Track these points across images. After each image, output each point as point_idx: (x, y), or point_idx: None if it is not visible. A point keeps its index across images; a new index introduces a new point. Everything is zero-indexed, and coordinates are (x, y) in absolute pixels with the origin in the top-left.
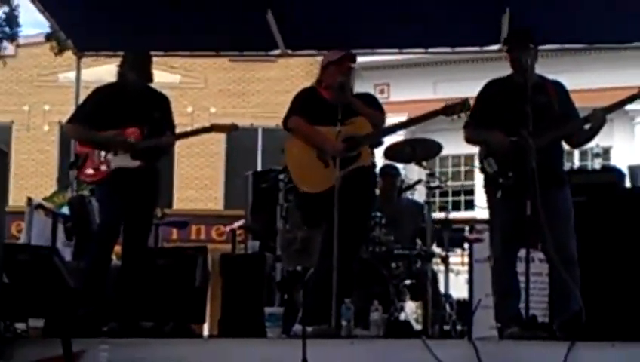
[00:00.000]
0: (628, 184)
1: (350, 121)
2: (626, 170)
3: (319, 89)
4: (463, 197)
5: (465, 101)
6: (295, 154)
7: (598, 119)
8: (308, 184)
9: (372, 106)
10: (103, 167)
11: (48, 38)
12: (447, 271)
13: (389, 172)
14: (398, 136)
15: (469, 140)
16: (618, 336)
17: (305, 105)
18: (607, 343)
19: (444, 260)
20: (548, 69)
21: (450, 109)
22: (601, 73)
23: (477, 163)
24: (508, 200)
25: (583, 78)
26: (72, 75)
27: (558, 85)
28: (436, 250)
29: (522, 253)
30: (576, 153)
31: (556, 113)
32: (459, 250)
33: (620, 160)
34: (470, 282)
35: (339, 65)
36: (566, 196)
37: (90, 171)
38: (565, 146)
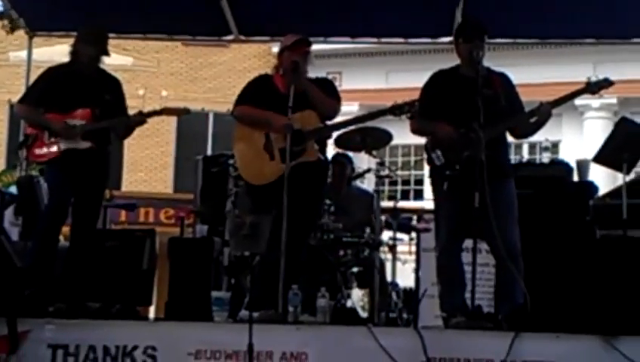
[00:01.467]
0: (575, 178)
1: (298, 113)
2: (574, 165)
3: (275, 78)
4: (412, 187)
5: (414, 102)
6: (241, 146)
7: (545, 113)
8: (253, 176)
9: (328, 92)
10: (53, 148)
11: (0, 16)
12: (394, 259)
13: (340, 160)
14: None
15: (415, 131)
16: (562, 328)
17: (255, 93)
18: (551, 334)
19: (392, 249)
20: (495, 61)
21: (398, 109)
22: (548, 68)
23: (424, 154)
24: (454, 191)
25: (530, 72)
26: (23, 54)
27: (504, 77)
28: (384, 238)
29: (468, 243)
30: (525, 146)
31: (502, 106)
32: (406, 239)
33: (569, 154)
34: (417, 271)
35: (293, 50)
36: (511, 188)
37: (39, 151)
38: (514, 140)
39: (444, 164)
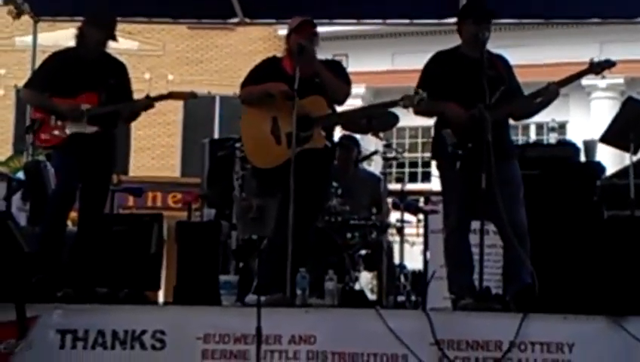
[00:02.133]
0: (582, 158)
1: (307, 98)
2: (581, 145)
3: (284, 60)
4: (419, 169)
5: (419, 95)
6: (248, 129)
7: (552, 93)
8: (259, 160)
9: (338, 75)
10: (59, 132)
11: (6, 1)
12: (402, 241)
13: (346, 143)
14: (355, 107)
15: (421, 112)
16: (570, 309)
17: (262, 75)
18: (559, 315)
19: (400, 231)
20: (501, 42)
21: (408, 100)
22: (554, 48)
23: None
24: (465, 172)
25: (536, 52)
26: (29, 39)
27: (502, 59)
28: (392, 220)
29: (475, 225)
30: (533, 127)
31: (506, 87)
32: (414, 221)
33: (576, 135)
34: (425, 253)
35: (299, 31)
36: (516, 168)
37: (46, 136)
38: (522, 121)
39: (455, 143)
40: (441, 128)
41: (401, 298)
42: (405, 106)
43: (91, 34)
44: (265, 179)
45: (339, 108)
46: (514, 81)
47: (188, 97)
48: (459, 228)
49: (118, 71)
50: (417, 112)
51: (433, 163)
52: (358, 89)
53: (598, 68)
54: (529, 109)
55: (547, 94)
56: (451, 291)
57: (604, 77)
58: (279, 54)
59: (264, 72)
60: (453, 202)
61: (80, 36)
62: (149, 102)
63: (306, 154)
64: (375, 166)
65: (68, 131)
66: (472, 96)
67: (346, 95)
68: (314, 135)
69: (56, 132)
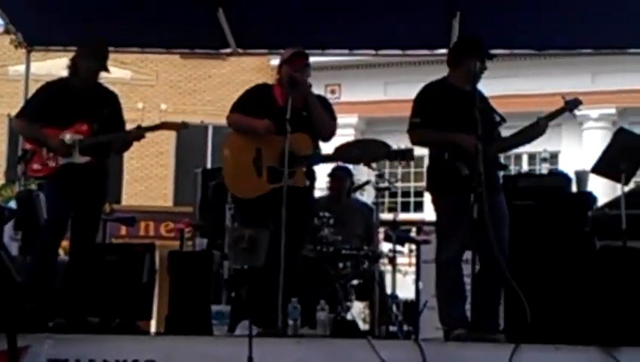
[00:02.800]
0: (574, 189)
1: (294, 135)
2: (572, 175)
3: (275, 88)
4: (412, 199)
5: (410, 150)
6: (231, 154)
7: (542, 128)
8: (238, 189)
9: (325, 111)
10: (51, 162)
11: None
12: (394, 271)
13: (339, 173)
14: (348, 137)
15: (422, 143)
16: (562, 339)
17: (252, 102)
18: (551, 346)
19: (392, 261)
20: (493, 72)
21: (394, 154)
22: (546, 78)
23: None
24: (470, 203)
25: (528, 82)
26: (22, 68)
27: (478, 91)
28: (384, 250)
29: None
30: (525, 157)
31: (495, 120)
32: (406, 251)
33: (568, 165)
34: (417, 283)
35: (290, 63)
36: (504, 201)
37: (38, 166)
38: (514, 151)
39: (470, 175)
40: (452, 159)
41: (393, 328)
42: (390, 159)
43: (84, 65)
44: (246, 211)
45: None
46: (493, 110)
47: (180, 128)
48: (459, 259)
49: (110, 101)
50: (418, 142)
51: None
52: (350, 119)
53: (572, 106)
54: (518, 144)
55: (538, 130)
56: (443, 322)
57: (575, 116)
58: (270, 82)
59: (254, 98)
60: (455, 233)
61: (73, 67)
62: (140, 133)
63: (287, 191)
64: (367, 196)
65: (60, 162)
66: (464, 128)
67: (332, 132)
68: (296, 173)
69: (48, 163)
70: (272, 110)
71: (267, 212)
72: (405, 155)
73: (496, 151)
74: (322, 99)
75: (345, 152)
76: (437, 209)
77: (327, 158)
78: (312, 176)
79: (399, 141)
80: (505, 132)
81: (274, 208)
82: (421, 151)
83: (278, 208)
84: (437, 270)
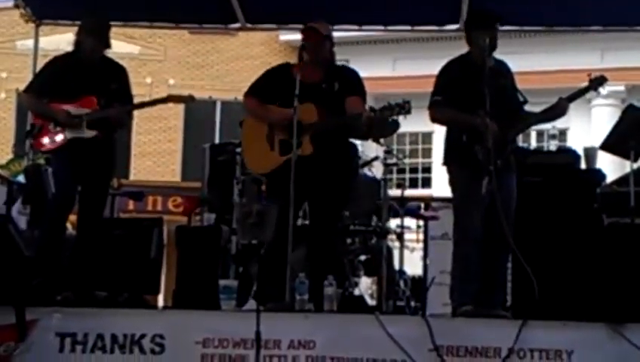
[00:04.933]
0: (583, 165)
1: (301, 105)
2: (581, 152)
3: (294, 68)
4: (420, 175)
5: (408, 102)
6: (247, 133)
7: (563, 108)
8: (253, 164)
9: (355, 89)
10: (59, 137)
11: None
12: (402, 247)
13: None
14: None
15: (439, 120)
16: (569, 316)
17: (272, 82)
18: (558, 322)
19: (400, 237)
20: (502, 49)
21: (389, 110)
22: (555, 55)
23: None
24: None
25: (537, 59)
26: (30, 42)
27: (505, 65)
28: (392, 226)
29: None
30: (533, 134)
31: (515, 96)
32: (414, 227)
33: (577, 142)
34: (425, 259)
35: (304, 40)
36: (514, 182)
37: (45, 140)
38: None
39: (487, 159)
40: (470, 142)
41: (400, 303)
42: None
43: (86, 42)
44: (269, 185)
45: None
46: (516, 88)
47: (186, 101)
48: (477, 237)
49: (118, 75)
50: (437, 120)
51: (441, 168)
52: None
53: (597, 84)
54: (539, 123)
55: (559, 110)
56: (453, 298)
57: (599, 93)
58: (292, 61)
59: (272, 80)
60: (472, 209)
61: (77, 43)
62: (146, 106)
63: (298, 161)
64: (376, 171)
65: (67, 136)
66: (479, 104)
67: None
68: (303, 143)
69: (55, 137)
70: (290, 88)
71: (285, 185)
72: (404, 107)
73: (517, 132)
74: (351, 73)
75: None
76: (453, 184)
77: (327, 124)
78: (342, 148)
79: (407, 118)
80: None
81: (289, 180)
82: (430, 128)
83: (296, 180)
84: (454, 246)
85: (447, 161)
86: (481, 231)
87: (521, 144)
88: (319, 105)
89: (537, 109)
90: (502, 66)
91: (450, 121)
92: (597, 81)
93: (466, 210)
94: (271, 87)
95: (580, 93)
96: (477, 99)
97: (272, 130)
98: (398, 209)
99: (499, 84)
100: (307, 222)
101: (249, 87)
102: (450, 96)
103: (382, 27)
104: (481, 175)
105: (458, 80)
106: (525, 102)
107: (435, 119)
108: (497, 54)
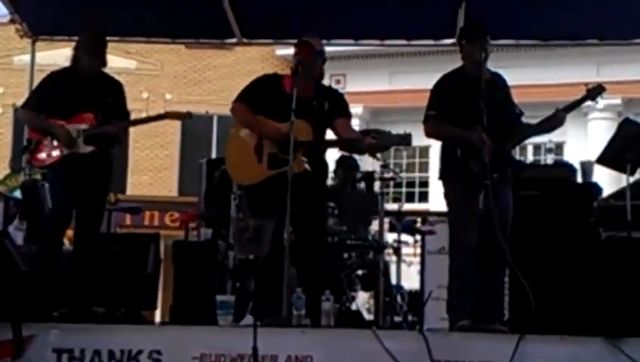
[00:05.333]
0: (579, 179)
1: (296, 121)
2: (578, 166)
3: (283, 79)
4: (417, 189)
5: (409, 135)
6: (233, 144)
7: (561, 119)
8: (239, 175)
9: (342, 110)
10: (55, 152)
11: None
12: (399, 262)
13: (347, 163)
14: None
15: (433, 135)
16: (567, 330)
17: (258, 93)
18: (556, 336)
19: (397, 251)
20: (498, 63)
21: (390, 141)
22: (551, 69)
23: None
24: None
25: (533, 73)
26: (27, 57)
27: (501, 77)
28: (389, 240)
29: None
30: (530, 148)
31: (511, 108)
32: (411, 241)
33: (573, 155)
34: (422, 273)
35: (297, 54)
36: (510, 196)
37: (42, 156)
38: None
39: (482, 173)
40: (465, 157)
41: (397, 318)
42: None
43: (83, 59)
44: (253, 199)
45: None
46: (513, 103)
47: (184, 118)
48: (473, 251)
49: (115, 90)
50: (431, 135)
51: (438, 183)
52: (355, 109)
53: (594, 94)
54: (536, 135)
55: (555, 120)
56: (450, 312)
57: (597, 102)
58: (281, 72)
59: (261, 88)
60: (468, 223)
61: (75, 58)
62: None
63: (283, 176)
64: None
65: (64, 151)
66: (474, 119)
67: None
68: (295, 159)
69: (52, 152)
70: (279, 99)
71: (270, 200)
72: (405, 140)
73: (514, 144)
74: (337, 95)
75: (347, 141)
76: (448, 199)
77: (326, 144)
78: (323, 165)
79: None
80: None
81: (276, 196)
82: (427, 142)
83: (280, 195)
84: (450, 261)
85: (443, 176)
86: (477, 245)
87: (517, 158)
88: (312, 122)
89: (534, 123)
90: (497, 79)
91: (445, 135)
92: (595, 91)
93: (462, 224)
94: (260, 96)
95: (577, 103)
96: (472, 113)
97: (260, 143)
98: (395, 225)
99: (495, 97)
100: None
101: (238, 94)
102: (445, 110)
103: (378, 41)
104: (477, 189)
105: (453, 93)
106: (521, 114)
107: (429, 134)
108: (493, 68)
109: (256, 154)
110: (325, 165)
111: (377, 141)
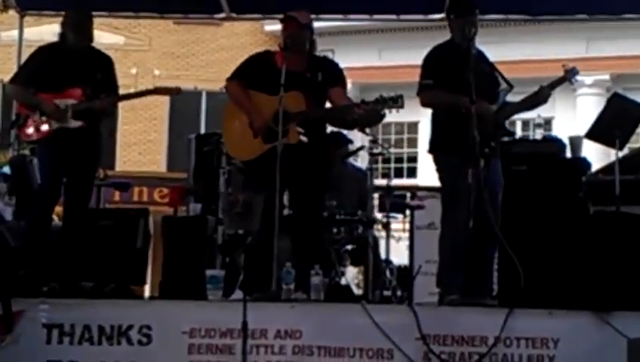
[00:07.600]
0: (568, 154)
1: (287, 93)
2: (566, 141)
3: (275, 55)
4: (405, 165)
5: (401, 96)
6: (230, 119)
7: (545, 96)
8: (235, 151)
9: (334, 77)
10: (44, 127)
11: None
12: (388, 237)
13: (337, 139)
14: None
15: (430, 104)
16: (555, 304)
17: (254, 69)
18: (544, 311)
19: (386, 226)
20: (486, 38)
21: (382, 103)
22: (540, 44)
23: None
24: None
25: (522, 48)
26: (15, 33)
27: (483, 53)
28: (378, 216)
29: None
30: (519, 123)
31: (495, 83)
32: (400, 217)
33: (562, 131)
34: (411, 248)
35: (284, 29)
36: (499, 167)
37: (31, 130)
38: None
39: (482, 142)
40: (455, 122)
41: (387, 293)
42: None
43: (69, 36)
44: (249, 174)
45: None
46: (496, 77)
47: (173, 93)
48: (466, 226)
49: (104, 64)
50: (427, 104)
51: (427, 158)
52: None
53: (570, 75)
54: (520, 111)
55: (539, 97)
56: (439, 286)
57: (572, 84)
58: (272, 49)
59: (255, 65)
60: (462, 197)
61: (62, 34)
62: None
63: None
64: (361, 161)
65: (53, 126)
66: (465, 90)
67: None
68: (289, 131)
69: (41, 127)
70: (271, 75)
71: (266, 174)
72: (397, 101)
73: (505, 117)
74: (332, 65)
75: (337, 110)
76: (441, 172)
77: (315, 113)
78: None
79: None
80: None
81: (272, 170)
82: (415, 118)
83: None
84: (442, 235)
85: (435, 148)
86: (469, 219)
87: None
88: (306, 93)
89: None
90: (481, 55)
91: (443, 103)
92: (571, 73)
93: (456, 197)
94: (254, 73)
95: (557, 82)
96: (463, 85)
97: None
98: (385, 202)
99: (482, 70)
100: (290, 211)
101: (232, 72)
102: (441, 80)
103: (367, 16)
104: (469, 162)
105: (445, 64)
106: (511, 88)
107: (425, 104)
108: (483, 43)
109: (251, 130)
110: (325, 136)
111: (369, 106)
